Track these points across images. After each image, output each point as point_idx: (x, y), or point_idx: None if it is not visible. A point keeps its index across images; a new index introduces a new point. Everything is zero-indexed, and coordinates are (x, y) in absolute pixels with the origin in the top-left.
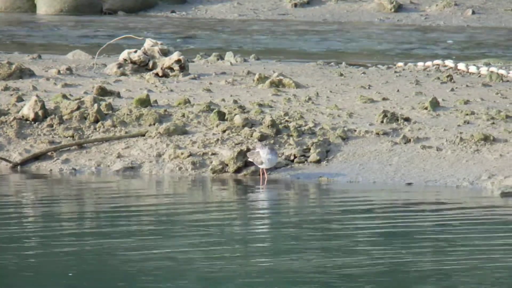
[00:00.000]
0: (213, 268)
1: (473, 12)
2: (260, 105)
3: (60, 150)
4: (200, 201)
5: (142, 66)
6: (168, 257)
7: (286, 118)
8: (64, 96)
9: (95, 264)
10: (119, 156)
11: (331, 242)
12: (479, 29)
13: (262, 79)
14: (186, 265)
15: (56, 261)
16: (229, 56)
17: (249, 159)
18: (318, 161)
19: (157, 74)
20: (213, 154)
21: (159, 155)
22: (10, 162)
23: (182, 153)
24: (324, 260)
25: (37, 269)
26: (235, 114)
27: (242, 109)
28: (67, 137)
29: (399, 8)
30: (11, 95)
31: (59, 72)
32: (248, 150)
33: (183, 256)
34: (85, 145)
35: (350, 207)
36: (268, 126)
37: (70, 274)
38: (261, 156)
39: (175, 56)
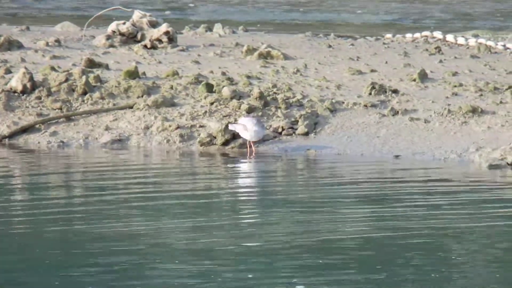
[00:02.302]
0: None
1: None
2: (248, 77)
3: (48, 122)
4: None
5: (130, 38)
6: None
7: (274, 90)
8: (53, 68)
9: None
10: (107, 128)
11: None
12: (468, 0)
13: (250, 51)
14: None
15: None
16: (217, 27)
17: (233, 130)
18: (306, 134)
19: (145, 46)
20: (201, 126)
21: (147, 128)
22: None
23: (170, 126)
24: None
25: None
26: (223, 86)
27: (230, 81)
28: (55, 110)
29: None
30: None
31: (47, 44)
32: (235, 122)
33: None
34: (73, 117)
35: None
36: (256, 98)
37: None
38: (248, 128)
39: (164, 27)
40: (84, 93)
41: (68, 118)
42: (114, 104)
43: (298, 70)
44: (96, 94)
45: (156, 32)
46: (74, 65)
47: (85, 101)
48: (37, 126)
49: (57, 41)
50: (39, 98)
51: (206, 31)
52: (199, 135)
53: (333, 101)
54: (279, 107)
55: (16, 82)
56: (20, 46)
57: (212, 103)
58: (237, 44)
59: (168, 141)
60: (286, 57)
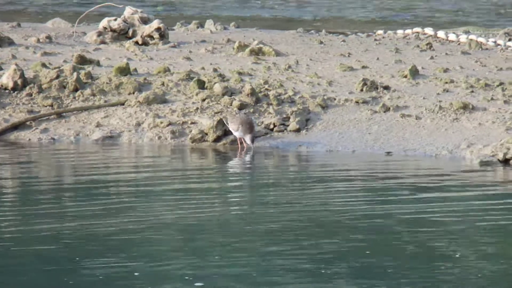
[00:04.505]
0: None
1: None
2: (239, 73)
3: (39, 119)
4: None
5: (122, 34)
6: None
7: (266, 86)
8: (44, 65)
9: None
10: (98, 125)
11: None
12: None
13: (242, 47)
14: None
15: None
16: (209, 24)
17: (228, 128)
18: (297, 130)
19: (137, 42)
20: (192, 123)
21: (138, 124)
22: None
23: (161, 122)
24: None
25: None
26: (215, 83)
27: (222, 77)
28: (46, 106)
29: None
30: None
31: (38, 40)
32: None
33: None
34: (64, 114)
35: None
36: (247, 95)
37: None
38: (238, 127)
39: (155, 24)
40: (75, 89)
41: (59, 115)
42: (105, 101)
43: (289, 67)
44: (87, 91)
45: (147, 29)
46: (65, 61)
47: (76, 98)
48: (28, 123)
49: (48, 37)
50: (30, 95)
51: (198, 27)
52: (191, 131)
53: (325, 97)
54: (271, 104)
55: (7, 78)
56: (11, 42)
57: (203, 100)
58: (228, 41)
59: (159, 137)
60: (277, 53)
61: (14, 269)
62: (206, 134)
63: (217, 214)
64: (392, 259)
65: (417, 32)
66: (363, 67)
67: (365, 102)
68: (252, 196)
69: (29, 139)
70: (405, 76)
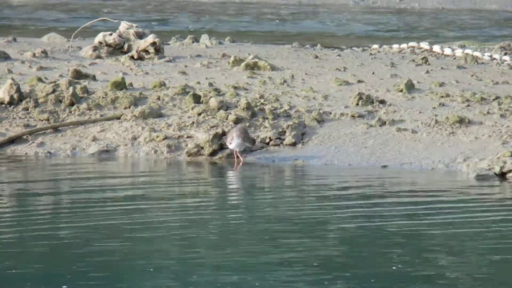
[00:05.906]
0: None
1: None
2: (235, 87)
3: (36, 133)
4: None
5: (117, 49)
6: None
7: (262, 100)
8: (40, 79)
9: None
10: (95, 139)
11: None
12: (454, 11)
13: (237, 61)
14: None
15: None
16: (204, 38)
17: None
18: (293, 144)
19: (132, 57)
20: (188, 137)
21: (134, 138)
22: None
23: (157, 136)
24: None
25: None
26: (211, 97)
27: (218, 91)
28: (42, 121)
29: None
30: None
31: (34, 55)
32: (224, 133)
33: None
34: (60, 128)
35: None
36: (243, 109)
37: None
38: (232, 137)
39: (151, 38)
40: (71, 104)
41: (55, 129)
42: (101, 115)
43: (285, 81)
44: (83, 105)
45: (143, 43)
46: (61, 76)
47: (72, 112)
48: (24, 137)
49: (44, 52)
50: (26, 109)
51: (193, 42)
52: (187, 145)
53: (320, 111)
54: (267, 118)
55: (3, 93)
56: (7, 57)
57: (199, 114)
58: (224, 55)
59: (155, 151)
60: (273, 68)
61: None
62: (202, 148)
63: (210, 227)
64: (384, 270)
65: (413, 47)
66: (359, 81)
67: (360, 116)
68: (246, 206)
69: (26, 153)
70: (401, 90)
